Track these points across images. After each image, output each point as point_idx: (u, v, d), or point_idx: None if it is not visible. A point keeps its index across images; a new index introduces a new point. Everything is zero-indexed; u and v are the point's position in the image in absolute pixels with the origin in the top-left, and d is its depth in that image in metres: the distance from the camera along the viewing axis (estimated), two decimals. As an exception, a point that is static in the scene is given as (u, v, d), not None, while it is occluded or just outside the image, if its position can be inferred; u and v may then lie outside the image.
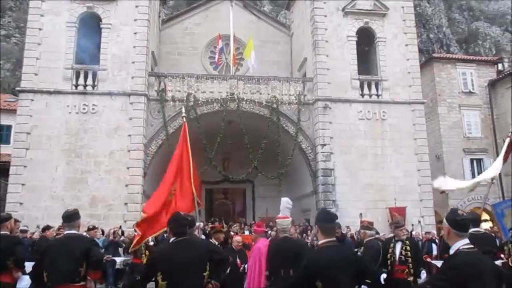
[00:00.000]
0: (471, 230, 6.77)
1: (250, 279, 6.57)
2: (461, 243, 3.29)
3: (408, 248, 6.74)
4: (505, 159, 9.24)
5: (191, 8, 25.27)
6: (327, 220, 3.68)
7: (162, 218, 6.29)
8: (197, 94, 18.23)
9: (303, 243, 7.57)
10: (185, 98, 17.99)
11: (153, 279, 4.11)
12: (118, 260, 12.15)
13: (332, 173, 17.84)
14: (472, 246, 3.31)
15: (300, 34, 22.12)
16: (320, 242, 3.59)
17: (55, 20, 17.50)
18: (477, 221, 6.95)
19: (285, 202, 7.18)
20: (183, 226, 4.32)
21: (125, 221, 15.97)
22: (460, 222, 3.32)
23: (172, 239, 4.28)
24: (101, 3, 17.92)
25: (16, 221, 7.36)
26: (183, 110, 8.60)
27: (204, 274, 4.13)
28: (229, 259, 4.45)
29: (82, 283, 4.65)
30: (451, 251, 3.35)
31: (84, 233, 12.73)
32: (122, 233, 14.51)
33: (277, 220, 6.44)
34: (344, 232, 12.43)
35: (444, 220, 3.45)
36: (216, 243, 7.25)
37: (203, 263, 4.14)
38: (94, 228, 11.07)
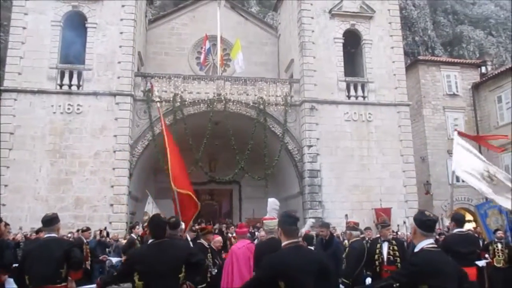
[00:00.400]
0: (456, 230, 6.85)
1: (224, 280, 6.66)
2: (426, 243, 3.48)
3: (396, 248, 6.71)
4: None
5: (178, 8, 25.16)
6: (289, 222, 3.76)
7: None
8: (183, 94, 18.13)
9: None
10: (171, 99, 17.89)
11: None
12: (114, 260, 12.05)
13: (318, 174, 17.91)
14: (436, 246, 3.52)
15: (287, 35, 22.18)
16: (283, 243, 3.67)
17: (39, 19, 17.26)
18: (461, 222, 7.03)
19: (272, 203, 7.20)
20: (162, 228, 4.46)
21: (110, 222, 15.82)
22: (426, 222, 3.51)
23: (150, 241, 4.41)
24: (87, 2, 17.73)
25: (6, 224, 7.43)
26: (156, 93, 8.89)
27: (180, 276, 4.25)
28: (205, 262, 4.59)
29: (63, 284, 4.82)
30: (416, 249, 3.54)
31: (68, 234, 12.68)
32: (107, 234, 14.36)
33: (264, 221, 6.46)
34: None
35: (412, 220, 3.65)
36: (206, 244, 7.25)
37: (179, 266, 4.26)
38: (88, 229, 11.34)
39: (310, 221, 12.74)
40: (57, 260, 4.76)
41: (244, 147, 17.95)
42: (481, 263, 11.97)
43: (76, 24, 17.52)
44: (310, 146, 18.09)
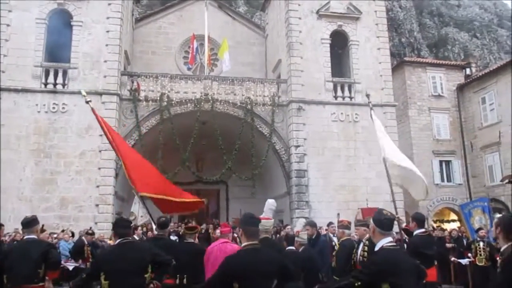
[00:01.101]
0: (417, 231, 6.88)
1: None
2: (385, 241, 3.57)
3: (366, 248, 6.70)
4: None
5: (165, 7, 25.01)
6: (251, 223, 3.77)
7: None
8: (170, 94, 18.04)
9: (282, 244, 7.62)
10: (158, 98, 17.79)
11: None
12: None
13: (305, 174, 17.98)
14: (394, 244, 3.63)
15: (274, 35, 22.22)
16: (243, 244, 3.69)
17: (24, 16, 17.00)
18: (422, 222, 7.08)
19: (270, 204, 7.24)
20: (126, 228, 4.66)
21: (95, 223, 15.65)
22: (383, 222, 3.62)
23: (116, 241, 4.59)
24: (72, 0, 17.51)
25: (1, 225, 7.79)
26: (83, 93, 7.46)
27: (146, 275, 4.39)
28: (171, 262, 4.71)
29: (41, 284, 5.03)
30: (376, 248, 3.64)
31: (54, 235, 12.60)
32: (93, 233, 14.20)
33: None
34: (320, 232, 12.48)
35: (371, 220, 3.75)
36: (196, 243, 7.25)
37: (144, 265, 4.40)
38: (93, 233, 12.08)
39: (301, 220, 12.84)
40: (35, 260, 4.96)
41: (231, 147, 17.93)
42: (464, 261, 12.15)
43: (62, 22, 17.28)
44: (297, 146, 18.15)
